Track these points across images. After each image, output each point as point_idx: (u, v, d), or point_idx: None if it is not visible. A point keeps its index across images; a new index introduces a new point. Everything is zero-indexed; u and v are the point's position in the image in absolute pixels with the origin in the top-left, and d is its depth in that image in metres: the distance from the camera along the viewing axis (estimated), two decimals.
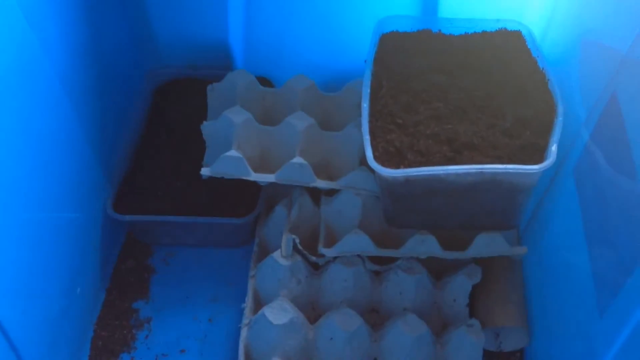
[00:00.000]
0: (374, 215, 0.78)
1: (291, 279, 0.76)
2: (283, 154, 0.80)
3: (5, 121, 0.60)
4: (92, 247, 0.80)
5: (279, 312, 0.73)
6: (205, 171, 0.78)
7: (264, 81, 0.92)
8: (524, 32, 0.80)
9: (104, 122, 0.82)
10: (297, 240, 0.77)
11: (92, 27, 0.77)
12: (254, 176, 0.78)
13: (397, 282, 0.76)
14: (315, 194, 0.82)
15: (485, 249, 0.74)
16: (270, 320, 0.72)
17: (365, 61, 0.78)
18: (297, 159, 0.77)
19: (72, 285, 0.75)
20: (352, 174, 0.78)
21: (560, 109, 0.69)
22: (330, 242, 0.77)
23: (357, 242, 0.75)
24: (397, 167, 0.68)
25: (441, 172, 0.66)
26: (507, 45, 0.79)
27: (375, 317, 0.77)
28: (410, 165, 0.67)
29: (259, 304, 0.77)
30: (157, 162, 0.88)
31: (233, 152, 0.77)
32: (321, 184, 0.79)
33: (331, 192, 0.80)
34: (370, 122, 0.71)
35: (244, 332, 0.74)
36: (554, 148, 0.66)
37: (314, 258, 0.78)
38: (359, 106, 0.73)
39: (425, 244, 0.74)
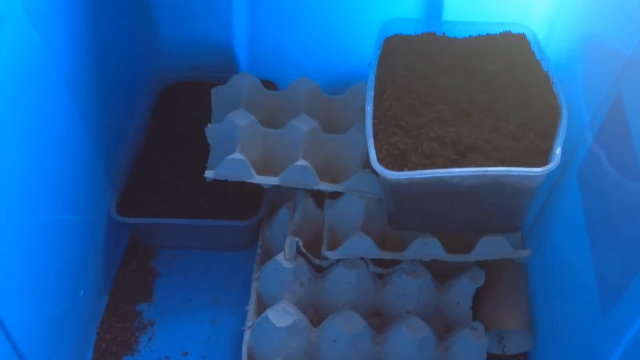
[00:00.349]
0: (377, 217, 0.78)
1: (294, 282, 0.76)
2: (287, 156, 0.80)
3: (10, 123, 0.60)
4: (95, 249, 0.80)
5: (282, 315, 0.73)
6: (209, 174, 0.78)
7: (268, 84, 0.92)
8: (528, 35, 0.79)
9: (108, 124, 0.82)
10: (301, 243, 0.77)
11: (96, 29, 0.77)
12: (257, 179, 0.78)
13: (401, 285, 0.76)
14: (319, 197, 0.82)
15: (489, 252, 0.74)
16: (274, 322, 0.72)
17: (369, 64, 0.78)
18: (301, 162, 0.77)
19: (75, 287, 0.75)
20: (356, 177, 0.78)
21: (564, 112, 0.69)
22: (334, 245, 0.77)
23: (361, 245, 0.75)
24: (401, 169, 0.68)
25: (445, 174, 0.66)
26: (511, 48, 0.79)
27: (379, 319, 0.77)
28: (414, 168, 0.67)
29: (262, 307, 0.77)
30: (161, 165, 0.88)
31: (237, 155, 0.77)
32: (325, 186, 0.79)
33: (335, 195, 0.80)
34: (374, 124, 0.71)
35: (247, 335, 0.74)
36: (558, 151, 0.66)
37: (317, 261, 0.78)
38: (363, 109, 0.73)
39: (428, 247, 0.74)
